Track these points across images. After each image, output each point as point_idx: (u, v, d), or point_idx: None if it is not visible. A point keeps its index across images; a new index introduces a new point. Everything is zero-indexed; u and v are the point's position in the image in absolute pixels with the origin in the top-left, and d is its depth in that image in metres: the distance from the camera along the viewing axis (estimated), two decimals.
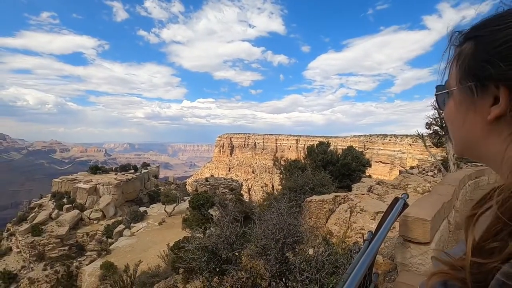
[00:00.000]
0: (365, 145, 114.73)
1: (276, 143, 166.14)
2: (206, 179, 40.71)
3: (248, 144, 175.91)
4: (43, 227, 34.63)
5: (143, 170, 48.93)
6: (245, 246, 3.30)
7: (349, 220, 6.79)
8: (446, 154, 18.76)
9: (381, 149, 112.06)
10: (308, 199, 8.17)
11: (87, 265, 28.49)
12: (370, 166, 16.31)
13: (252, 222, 3.40)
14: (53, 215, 36.25)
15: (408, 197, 3.68)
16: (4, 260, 33.75)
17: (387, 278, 4.12)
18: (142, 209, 36.16)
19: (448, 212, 4.90)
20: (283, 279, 2.98)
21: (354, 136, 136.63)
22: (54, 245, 33.57)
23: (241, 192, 41.57)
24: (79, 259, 33.61)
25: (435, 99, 0.82)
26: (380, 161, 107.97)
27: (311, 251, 3.29)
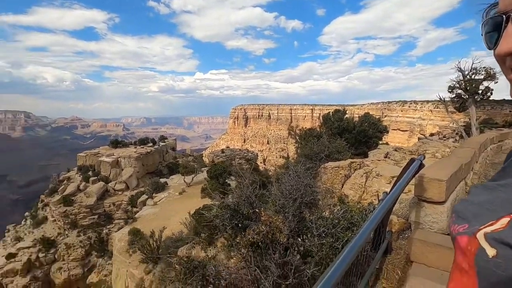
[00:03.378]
0: (383, 113, 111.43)
1: (291, 113, 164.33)
2: (222, 151, 41.45)
3: (262, 115, 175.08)
4: (73, 198, 37.15)
5: (161, 143, 50.31)
6: (264, 206, 3.51)
7: (364, 185, 6.90)
8: (469, 119, 18.03)
9: (400, 116, 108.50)
10: (324, 165, 8.29)
11: (115, 231, 30.74)
12: (387, 132, 16.02)
13: (270, 184, 3.56)
14: (81, 187, 38.63)
15: (424, 158, 3.70)
16: (42, 228, 36.91)
17: (400, 236, 4.28)
18: (162, 180, 37.72)
19: (466, 174, 4.87)
20: (301, 235, 3.19)
21: (371, 103, 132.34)
22: (85, 214, 36.16)
23: (257, 162, 42.25)
24: (108, 227, 36.23)
25: (482, 34, 0.69)
26: (399, 129, 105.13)
27: (327, 211, 3.46)
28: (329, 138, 11.73)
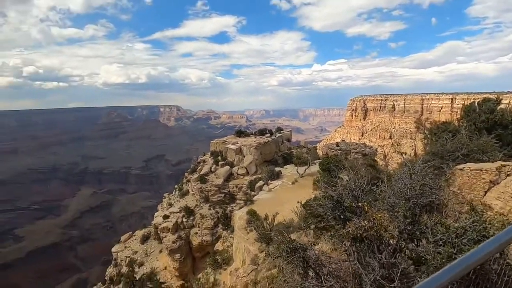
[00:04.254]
0: None
1: (422, 104, 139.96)
2: (337, 144, 40.18)
3: (385, 107, 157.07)
4: (206, 177, 44.68)
5: (277, 134, 53.29)
6: (371, 202, 3.32)
7: None
8: None
9: None
10: (459, 166, 6.83)
11: (237, 210, 35.15)
12: None
13: (380, 181, 3.32)
14: (212, 169, 45.88)
15: None
16: (185, 199, 46.26)
17: None
18: (277, 169, 40.16)
19: None
20: (415, 239, 2.87)
21: None
22: (214, 191, 42.87)
23: (375, 158, 38.71)
24: (231, 205, 41.73)
25: None
26: None
27: (450, 218, 2.94)
28: (471, 134, 9.46)
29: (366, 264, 2.71)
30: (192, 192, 45.79)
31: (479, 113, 11.19)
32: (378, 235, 2.60)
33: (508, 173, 6.53)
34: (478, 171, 6.46)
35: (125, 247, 42.70)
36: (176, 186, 54.44)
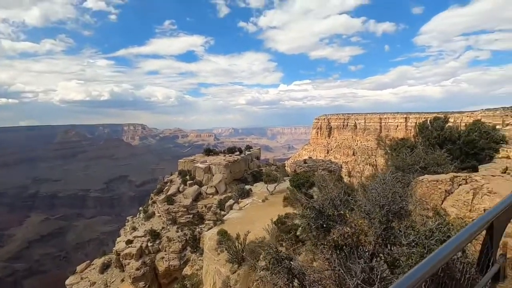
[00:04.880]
0: (503, 120, 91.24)
1: (380, 123, 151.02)
2: (304, 161, 41.24)
3: (347, 125, 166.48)
4: (174, 197, 43.04)
5: (247, 152, 53.54)
6: (350, 210, 3.53)
7: (471, 202, 5.93)
8: None
9: None
10: (419, 178, 7.48)
11: (206, 231, 34.05)
12: (506, 143, 13.07)
13: (355, 191, 3.56)
14: (180, 189, 44.41)
15: None
16: (150, 221, 43.88)
17: None
18: (247, 187, 40.01)
19: None
20: (388, 245, 3.10)
21: (486, 109, 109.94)
22: (182, 212, 41.31)
23: (341, 175, 40.37)
24: (200, 226, 40.38)
25: None
26: None
27: (418, 220, 3.24)
28: (426, 149, 10.44)
29: (347, 269, 2.85)
30: (159, 214, 43.66)
31: (432, 130, 12.47)
32: (357, 241, 2.77)
33: (460, 183, 7.27)
34: (435, 182, 7.12)
35: (82, 278, 38.78)
36: (140, 208, 51.58)
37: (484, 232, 3.06)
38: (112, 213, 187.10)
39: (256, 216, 28.95)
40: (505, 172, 8.66)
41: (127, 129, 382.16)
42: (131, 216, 51.20)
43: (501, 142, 12.59)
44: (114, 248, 40.62)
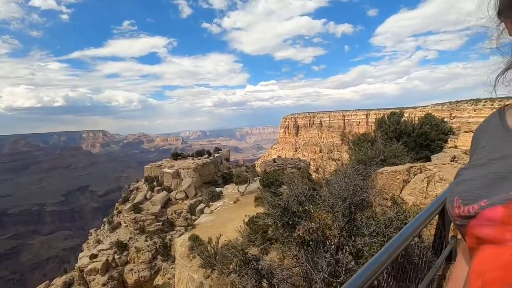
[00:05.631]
0: (450, 114, 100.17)
1: (344, 120, 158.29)
2: (274, 160, 41.81)
3: (313, 123, 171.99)
4: (141, 206, 41.19)
5: (216, 155, 52.94)
6: (314, 205, 3.60)
7: (426, 190, 6.39)
8: None
9: (473, 117, 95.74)
10: (379, 170, 7.90)
11: (177, 237, 33.01)
12: (453, 134, 14.39)
13: (319, 186, 3.63)
14: (147, 196, 42.65)
15: None
16: (116, 232, 41.52)
17: None
18: (218, 189, 39.52)
19: None
20: (352, 236, 3.19)
21: (435, 104, 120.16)
22: (151, 220, 39.69)
23: (309, 171, 41.54)
24: (170, 233, 39.07)
25: None
26: (471, 130, 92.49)
27: (378, 210, 3.38)
28: (385, 143, 11.10)
29: (314, 264, 2.88)
30: (125, 224, 41.48)
31: (389, 124, 13.32)
32: (322, 235, 2.82)
33: (415, 172, 7.81)
34: (393, 173, 7.57)
35: None
36: (104, 219, 48.64)
37: (437, 217, 3.27)
38: (73, 227, 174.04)
39: (228, 218, 28.69)
40: (453, 160, 9.47)
41: (86, 136, 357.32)
42: (95, 229, 48.07)
43: (449, 133, 13.86)
44: (76, 265, 37.77)
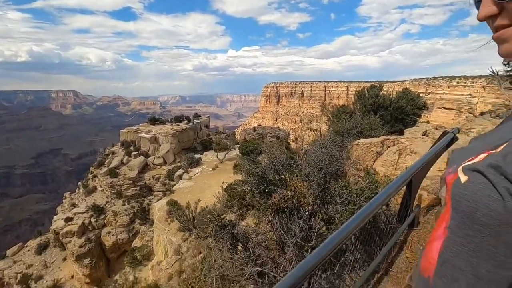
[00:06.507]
0: (426, 89, 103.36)
1: (325, 91, 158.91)
2: (254, 129, 41.87)
3: (295, 93, 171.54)
4: (117, 170, 40.49)
5: (195, 121, 52.00)
6: (291, 174, 3.69)
7: (397, 162, 6.73)
8: None
9: (446, 93, 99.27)
10: (355, 142, 8.16)
11: (155, 202, 33.27)
12: (427, 109, 15.00)
13: (297, 156, 3.70)
14: (124, 161, 41.82)
15: (459, 131, 3.53)
16: (92, 196, 41.04)
17: (429, 211, 4.23)
18: (197, 156, 39.47)
19: None
20: (325, 204, 3.33)
21: (413, 79, 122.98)
22: (128, 185, 39.38)
23: (288, 141, 42.22)
24: (149, 198, 39.20)
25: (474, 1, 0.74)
26: (444, 107, 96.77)
27: (352, 180, 3.53)
28: (363, 115, 11.35)
29: (288, 230, 3.02)
30: (101, 188, 40.95)
31: (368, 97, 13.54)
32: (297, 203, 2.92)
33: (388, 145, 8.15)
34: (368, 145, 7.86)
35: (14, 262, 35.37)
36: (79, 183, 47.62)
37: (404, 188, 3.48)
38: (45, 190, 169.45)
39: (207, 184, 29.11)
40: (424, 134, 9.95)
41: (55, 96, 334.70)
42: (69, 193, 47.16)
43: (423, 108, 14.41)
44: (51, 228, 37.45)
